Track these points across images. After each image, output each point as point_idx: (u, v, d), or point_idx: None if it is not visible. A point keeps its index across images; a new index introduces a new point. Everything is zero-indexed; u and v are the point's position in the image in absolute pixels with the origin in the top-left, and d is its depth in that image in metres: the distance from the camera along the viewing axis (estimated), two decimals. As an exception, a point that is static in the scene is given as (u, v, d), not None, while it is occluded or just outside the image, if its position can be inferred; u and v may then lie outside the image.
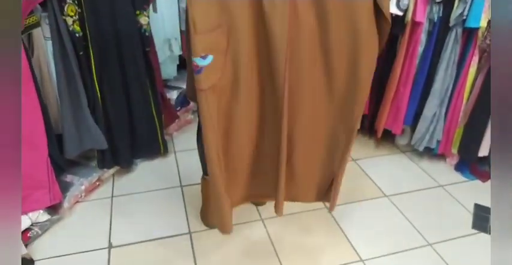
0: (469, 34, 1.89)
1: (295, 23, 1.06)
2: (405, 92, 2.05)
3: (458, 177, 2.12)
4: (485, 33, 1.82)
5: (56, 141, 1.69)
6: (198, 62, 1.03)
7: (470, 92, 1.97)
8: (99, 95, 1.77)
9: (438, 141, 2.10)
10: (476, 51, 1.88)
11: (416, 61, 1.98)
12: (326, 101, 1.22)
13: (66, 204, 1.73)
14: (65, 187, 1.75)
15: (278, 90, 1.13)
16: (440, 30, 1.89)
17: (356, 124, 1.27)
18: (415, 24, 1.90)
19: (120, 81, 1.84)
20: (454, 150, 2.10)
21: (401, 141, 2.30)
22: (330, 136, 1.31)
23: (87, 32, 1.65)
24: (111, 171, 2.00)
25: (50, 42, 1.61)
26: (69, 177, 1.83)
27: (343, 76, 1.17)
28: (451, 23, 1.83)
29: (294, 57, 1.10)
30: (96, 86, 1.75)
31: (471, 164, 2.12)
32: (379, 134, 2.20)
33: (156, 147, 2.11)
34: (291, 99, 1.17)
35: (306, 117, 1.24)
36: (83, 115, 1.72)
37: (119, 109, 1.88)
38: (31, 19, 1.49)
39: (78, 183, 1.81)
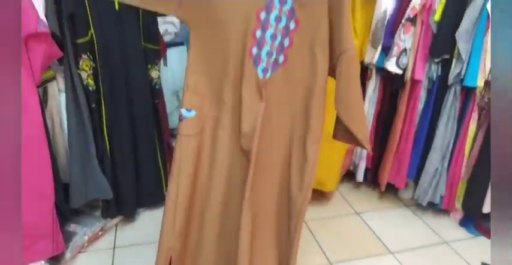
0: (468, 91, 1.95)
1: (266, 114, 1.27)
2: (407, 146, 2.09)
3: (463, 232, 2.09)
4: (483, 92, 1.89)
5: (62, 189, 1.71)
6: (184, 112, 1.26)
7: (472, 148, 2.00)
8: (108, 146, 1.81)
9: (441, 196, 2.09)
10: (476, 108, 1.94)
11: (417, 117, 2.03)
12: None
13: (68, 255, 1.71)
14: (68, 237, 1.74)
15: (246, 166, 1.28)
16: (439, 88, 1.96)
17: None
18: (415, 82, 1.97)
19: (129, 131, 1.89)
20: (458, 205, 2.09)
21: (405, 194, 2.30)
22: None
23: (101, 85, 1.73)
24: (115, 220, 2.00)
25: (63, 95, 1.68)
26: (72, 227, 1.83)
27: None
28: (450, 82, 1.90)
29: (261, 140, 1.27)
30: (106, 137, 1.80)
31: (476, 220, 2.10)
32: (383, 187, 2.21)
33: (160, 196, 2.12)
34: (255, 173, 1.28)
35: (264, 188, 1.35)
36: (91, 165, 1.75)
37: (126, 159, 1.91)
38: (48, 73, 1.57)
39: (82, 232, 1.80)
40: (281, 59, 1.25)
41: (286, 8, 1.20)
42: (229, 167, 1.30)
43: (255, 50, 1.22)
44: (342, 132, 1.30)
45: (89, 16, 1.61)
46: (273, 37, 1.22)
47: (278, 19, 1.21)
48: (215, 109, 1.28)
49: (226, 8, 1.18)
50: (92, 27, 1.62)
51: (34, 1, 1.46)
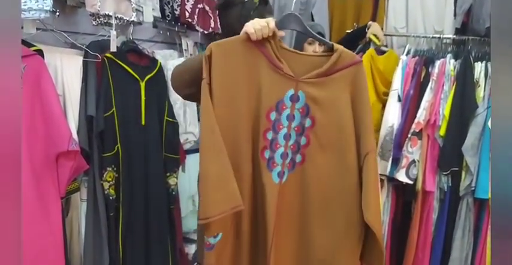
0: (481, 203, 1.95)
1: (281, 199, 1.21)
2: (424, 257, 2.03)
3: None
4: (496, 204, 1.89)
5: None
6: (211, 240, 1.15)
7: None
8: (121, 254, 1.83)
9: (466, 314, 1.97)
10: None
11: (432, 227, 2.01)
12: None
13: None
14: None
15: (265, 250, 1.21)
16: (451, 199, 1.97)
17: None
18: (426, 193, 2.00)
19: (143, 237, 1.92)
20: None
21: (427, 310, 2.16)
22: None
23: (121, 194, 1.81)
24: None
25: (84, 204, 1.76)
26: None
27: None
28: (461, 193, 1.92)
29: (280, 224, 1.22)
30: (120, 245, 1.82)
31: None
32: (402, 301, 2.09)
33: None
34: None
35: None
36: (103, 274, 1.76)
37: (138, 265, 1.91)
38: (73, 185, 1.67)
39: None
40: (298, 158, 1.20)
41: (300, 105, 1.18)
42: None
43: (267, 153, 1.18)
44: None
45: (117, 133, 1.76)
46: (287, 137, 1.19)
47: (291, 118, 1.18)
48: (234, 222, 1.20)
49: (233, 110, 1.15)
50: (119, 143, 1.76)
51: (69, 120, 1.64)
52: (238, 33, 1.19)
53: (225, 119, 1.14)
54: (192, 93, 1.26)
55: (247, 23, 1.16)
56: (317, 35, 1.31)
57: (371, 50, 2.07)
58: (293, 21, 1.24)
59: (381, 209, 2.07)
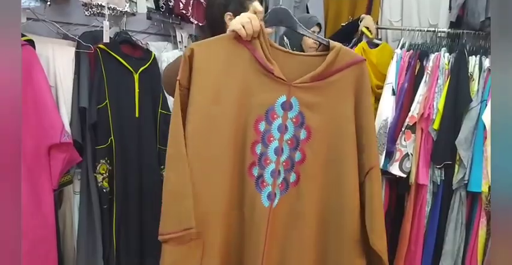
0: (474, 196, 1.97)
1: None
2: (417, 250, 2.04)
3: None
4: (489, 197, 1.90)
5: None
6: None
7: (484, 254, 1.95)
8: (115, 247, 1.82)
9: (457, 306, 1.99)
10: (483, 213, 1.93)
11: (425, 220, 2.03)
12: None
13: None
14: None
15: None
16: (444, 192, 1.99)
17: None
18: (420, 186, 2.01)
19: (137, 230, 1.91)
20: None
21: (419, 302, 2.18)
22: None
23: (114, 187, 1.80)
24: None
25: (77, 196, 1.75)
26: None
27: None
28: (454, 186, 1.93)
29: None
30: (114, 238, 1.81)
31: None
32: (395, 293, 2.11)
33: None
34: None
35: None
36: (96, 266, 1.75)
37: (132, 259, 1.90)
38: (65, 178, 1.65)
39: None
40: (292, 177, 1.05)
41: (293, 114, 1.03)
42: None
43: (256, 170, 1.03)
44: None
45: (110, 125, 1.74)
46: (278, 151, 1.03)
47: (283, 129, 1.03)
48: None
49: (216, 118, 1.00)
50: (112, 135, 1.75)
51: (61, 111, 1.62)
52: (221, 26, 1.12)
53: (204, 127, 1.00)
54: None
55: (232, 20, 1.04)
56: (309, 32, 1.18)
57: (363, 42, 2.07)
58: (282, 16, 1.10)
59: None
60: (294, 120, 1.03)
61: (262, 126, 1.02)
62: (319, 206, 1.06)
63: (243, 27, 0.99)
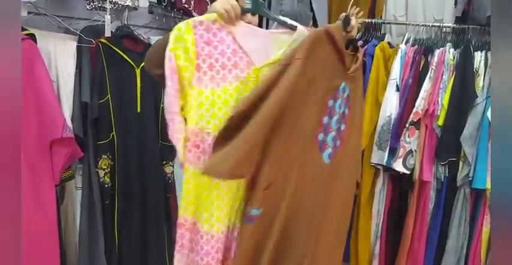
0: (478, 193, 1.95)
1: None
2: (420, 247, 2.04)
3: None
4: (493, 194, 1.89)
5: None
6: (254, 212, 1.20)
7: (488, 251, 1.94)
8: (117, 242, 1.82)
9: (460, 303, 1.98)
10: (487, 211, 1.92)
11: (428, 217, 2.01)
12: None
13: None
14: None
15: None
16: (448, 189, 1.97)
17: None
18: (423, 183, 1.99)
19: (139, 226, 1.91)
20: (478, 313, 1.97)
21: (421, 298, 2.18)
22: None
23: (116, 182, 1.79)
24: None
25: (79, 192, 1.74)
26: None
27: None
28: (458, 183, 1.92)
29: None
30: (116, 233, 1.81)
31: None
32: (397, 289, 2.11)
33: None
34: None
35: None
36: (98, 262, 1.75)
37: (134, 254, 1.90)
38: (67, 173, 1.64)
39: None
40: (338, 143, 1.33)
41: (346, 95, 1.32)
42: None
43: (321, 136, 1.28)
44: None
45: (112, 120, 1.73)
46: (337, 122, 1.31)
47: (340, 106, 1.31)
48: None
49: (298, 96, 1.19)
50: (114, 130, 1.74)
51: (63, 106, 1.61)
52: None
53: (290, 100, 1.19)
54: (162, 75, 1.18)
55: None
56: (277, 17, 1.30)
57: (384, 42, 2.08)
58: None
59: (374, 204, 2.10)
60: (345, 100, 1.32)
61: (330, 103, 1.28)
62: (351, 166, 1.40)
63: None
